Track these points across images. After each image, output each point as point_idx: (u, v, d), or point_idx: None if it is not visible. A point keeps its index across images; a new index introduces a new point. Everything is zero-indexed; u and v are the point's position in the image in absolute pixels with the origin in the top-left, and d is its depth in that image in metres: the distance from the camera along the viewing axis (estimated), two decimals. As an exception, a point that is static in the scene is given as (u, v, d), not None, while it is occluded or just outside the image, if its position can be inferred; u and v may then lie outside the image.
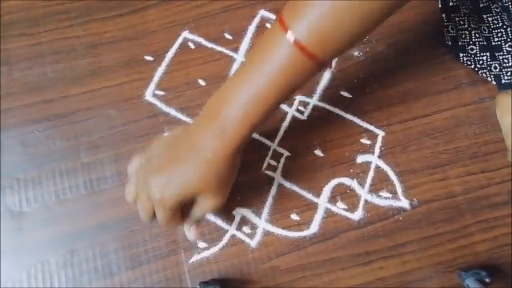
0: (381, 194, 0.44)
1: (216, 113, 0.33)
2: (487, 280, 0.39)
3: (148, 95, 0.48)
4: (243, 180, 0.44)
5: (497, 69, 0.47)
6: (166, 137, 0.37)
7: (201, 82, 0.48)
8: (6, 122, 0.47)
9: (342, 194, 0.44)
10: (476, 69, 0.48)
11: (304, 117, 0.47)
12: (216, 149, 0.33)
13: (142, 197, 0.35)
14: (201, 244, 0.43)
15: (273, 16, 0.50)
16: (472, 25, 0.48)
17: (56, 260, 0.43)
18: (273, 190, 0.44)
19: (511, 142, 0.37)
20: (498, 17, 0.48)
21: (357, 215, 0.44)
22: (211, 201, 0.35)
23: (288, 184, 0.45)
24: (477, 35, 0.48)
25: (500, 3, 0.48)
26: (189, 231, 0.39)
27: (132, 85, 0.48)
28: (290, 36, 0.31)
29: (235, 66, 0.48)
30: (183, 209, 0.36)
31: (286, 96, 0.34)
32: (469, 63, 0.48)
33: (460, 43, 0.48)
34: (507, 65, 0.47)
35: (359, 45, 0.49)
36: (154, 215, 0.36)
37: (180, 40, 0.49)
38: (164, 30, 0.50)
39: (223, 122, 0.33)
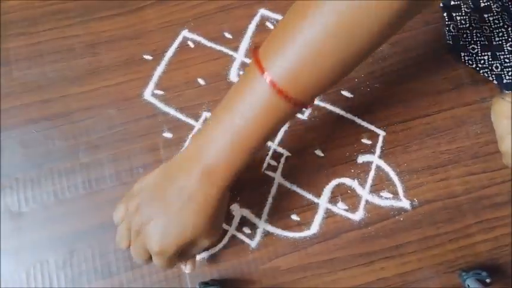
0: (381, 194, 0.44)
1: (198, 159, 0.33)
2: (488, 280, 0.39)
3: (148, 95, 0.47)
4: (243, 180, 0.44)
5: (499, 69, 0.47)
6: (149, 181, 0.35)
7: (201, 81, 0.48)
8: (6, 121, 0.47)
9: (343, 194, 0.44)
10: (477, 68, 0.47)
11: (304, 117, 0.46)
12: (204, 194, 0.33)
13: (138, 247, 0.35)
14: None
15: (273, 15, 0.50)
16: (473, 24, 0.48)
17: (55, 260, 0.43)
18: (273, 190, 0.44)
19: (505, 146, 0.37)
20: (499, 16, 0.48)
21: (358, 216, 0.43)
22: (207, 242, 0.35)
23: (288, 184, 0.44)
24: (478, 35, 0.48)
25: (500, 3, 0.48)
26: (186, 267, 0.39)
27: (131, 84, 0.48)
28: (266, 76, 0.29)
29: (235, 66, 0.48)
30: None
31: (268, 138, 0.33)
32: (470, 62, 0.48)
33: (461, 42, 0.48)
34: (508, 64, 0.47)
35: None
36: (150, 258, 0.36)
37: (179, 39, 0.49)
38: (163, 29, 0.49)
39: (207, 169, 0.32)
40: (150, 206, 0.34)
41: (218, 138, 0.32)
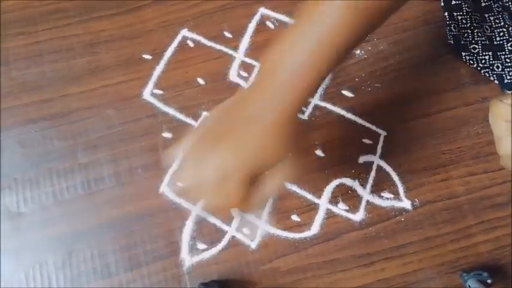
0: (382, 194, 0.44)
1: (271, 78, 0.31)
2: (489, 281, 0.39)
3: (147, 94, 0.47)
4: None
5: (500, 69, 0.47)
6: (222, 108, 0.34)
7: (200, 81, 0.48)
8: (5, 121, 0.46)
9: (343, 194, 0.44)
10: (478, 68, 0.47)
11: (305, 116, 0.46)
12: (278, 113, 0.30)
13: (206, 176, 0.31)
14: (201, 245, 0.43)
15: (273, 14, 0.50)
16: (474, 24, 0.48)
17: (54, 260, 0.42)
18: (273, 191, 0.44)
19: (502, 148, 0.37)
20: (500, 16, 0.48)
21: (359, 216, 0.43)
22: (288, 171, 0.32)
23: (288, 184, 0.44)
24: (479, 34, 0.48)
25: (500, 3, 0.48)
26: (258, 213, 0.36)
27: (130, 84, 0.47)
28: None
29: (234, 65, 0.48)
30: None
31: (345, 53, 0.31)
32: (471, 62, 0.47)
33: (462, 42, 0.48)
34: (509, 64, 0.47)
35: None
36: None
37: (179, 38, 0.49)
38: (162, 28, 0.49)
39: (279, 87, 0.30)
40: (222, 129, 0.32)
41: (291, 59, 0.30)
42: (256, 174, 0.32)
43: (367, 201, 0.44)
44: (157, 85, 0.48)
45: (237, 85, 0.47)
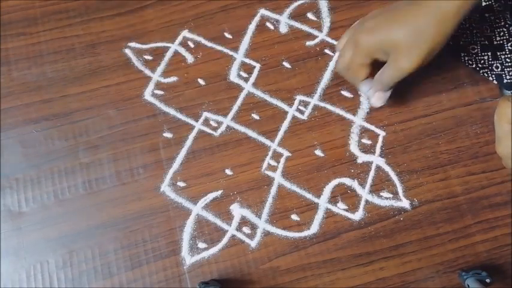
0: (381, 194, 0.44)
1: None
2: (488, 280, 0.39)
3: (148, 95, 0.47)
4: (243, 180, 0.44)
5: (499, 69, 0.47)
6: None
7: (201, 81, 0.48)
8: (5, 121, 0.47)
9: (343, 194, 0.44)
10: (477, 68, 0.47)
11: (304, 117, 0.46)
12: (436, 6, 0.32)
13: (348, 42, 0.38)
14: (201, 244, 0.43)
15: (273, 15, 0.50)
16: (473, 24, 0.48)
17: (55, 260, 0.43)
18: (273, 190, 0.44)
19: (501, 148, 0.37)
20: (500, 15, 0.48)
21: (358, 215, 0.43)
22: (404, 61, 0.34)
23: (288, 184, 0.44)
24: (478, 35, 0.48)
25: (502, 1, 0.48)
26: (373, 96, 0.40)
27: (131, 85, 0.48)
28: None
29: (235, 66, 0.48)
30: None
31: None
32: (470, 62, 0.48)
33: (461, 42, 0.48)
34: (509, 64, 0.47)
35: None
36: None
37: (179, 39, 0.49)
38: (163, 29, 0.49)
39: None
40: (380, 14, 0.36)
41: None
42: (374, 53, 0.36)
43: (366, 201, 0.44)
44: (158, 85, 0.48)
45: (237, 85, 0.48)
